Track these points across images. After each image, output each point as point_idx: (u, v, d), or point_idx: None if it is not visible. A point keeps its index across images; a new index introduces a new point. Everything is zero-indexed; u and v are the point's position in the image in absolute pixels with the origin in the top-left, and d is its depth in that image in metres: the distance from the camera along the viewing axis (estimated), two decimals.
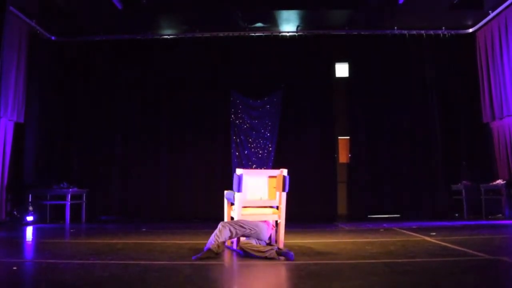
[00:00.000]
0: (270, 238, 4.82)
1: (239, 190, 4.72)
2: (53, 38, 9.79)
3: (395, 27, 9.63)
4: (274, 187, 4.90)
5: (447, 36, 9.74)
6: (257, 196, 4.89)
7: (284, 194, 4.85)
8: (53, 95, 9.64)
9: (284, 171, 4.92)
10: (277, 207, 4.92)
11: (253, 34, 9.85)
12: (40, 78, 9.27)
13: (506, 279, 3.40)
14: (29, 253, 5.19)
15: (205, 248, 4.31)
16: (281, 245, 4.74)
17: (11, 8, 8.08)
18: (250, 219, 4.73)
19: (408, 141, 9.58)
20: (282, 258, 4.16)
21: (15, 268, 3.91)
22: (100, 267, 3.81)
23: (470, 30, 9.69)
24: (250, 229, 4.56)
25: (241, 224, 4.55)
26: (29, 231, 7.31)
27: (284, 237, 4.87)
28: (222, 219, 5.24)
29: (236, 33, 9.82)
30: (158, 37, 9.97)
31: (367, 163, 9.55)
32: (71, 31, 9.67)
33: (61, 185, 8.85)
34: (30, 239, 6.38)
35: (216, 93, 9.79)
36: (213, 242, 4.36)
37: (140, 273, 3.57)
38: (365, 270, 3.62)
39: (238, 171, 4.81)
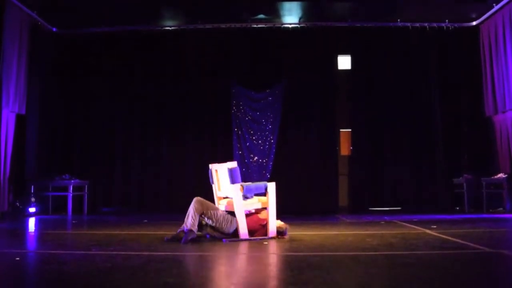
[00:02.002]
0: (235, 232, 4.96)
1: (211, 182, 5.37)
2: (54, 29, 9.77)
3: (398, 20, 9.58)
4: None
5: (450, 29, 9.68)
6: (224, 187, 5.19)
7: (234, 186, 4.90)
8: (54, 86, 9.63)
9: (230, 164, 5.06)
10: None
11: (255, 26, 9.81)
12: (42, 69, 9.26)
13: (506, 272, 3.41)
14: (31, 244, 5.22)
15: (185, 229, 4.68)
16: (242, 236, 4.85)
17: None
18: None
19: (409, 134, 9.57)
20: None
21: (17, 258, 3.93)
22: (102, 258, 3.83)
23: (474, 23, 9.63)
24: (216, 221, 4.89)
25: (214, 212, 4.91)
26: (32, 222, 7.35)
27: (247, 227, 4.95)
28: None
29: (238, 25, 9.78)
30: (160, 28, 9.94)
31: (369, 156, 9.55)
32: (72, 23, 9.64)
33: (63, 176, 8.87)
34: (33, 230, 6.41)
35: (217, 85, 9.77)
36: (190, 223, 4.71)
37: (142, 263, 3.58)
38: (366, 262, 3.64)
39: (210, 165, 5.33)
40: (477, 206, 8.71)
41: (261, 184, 5.13)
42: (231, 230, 4.92)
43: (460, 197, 9.00)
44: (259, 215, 5.12)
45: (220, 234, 4.94)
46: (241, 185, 4.92)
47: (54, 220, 7.82)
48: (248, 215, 5.04)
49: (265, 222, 5.07)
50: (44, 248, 4.72)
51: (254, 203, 5.06)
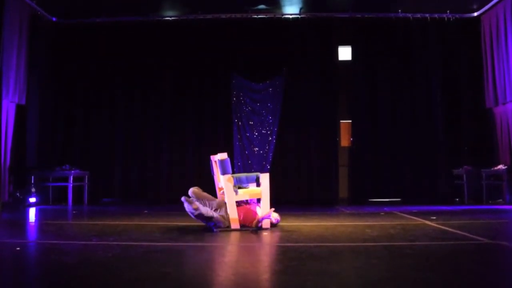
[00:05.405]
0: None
1: (213, 173, 5.41)
2: (54, 19, 9.71)
3: (399, 10, 9.52)
4: None
5: (451, 19, 9.62)
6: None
7: (224, 177, 4.91)
8: (54, 77, 9.60)
9: (221, 155, 5.03)
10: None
11: (255, 16, 9.75)
12: (42, 60, 9.21)
13: (505, 263, 3.42)
14: (32, 234, 5.24)
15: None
16: (233, 226, 4.86)
17: None
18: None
19: (410, 125, 9.55)
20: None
21: (18, 248, 3.95)
22: (103, 248, 3.84)
23: (475, 14, 9.57)
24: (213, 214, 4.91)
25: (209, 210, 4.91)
26: (32, 212, 7.37)
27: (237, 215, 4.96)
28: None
29: (238, 15, 9.72)
30: (160, 18, 9.88)
31: (369, 147, 9.54)
32: (72, 13, 9.57)
33: (63, 167, 8.87)
34: (33, 221, 6.43)
35: (217, 76, 9.73)
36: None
37: (143, 254, 3.60)
38: (365, 253, 3.65)
39: (211, 157, 5.38)
40: (477, 197, 8.72)
41: (253, 175, 5.06)
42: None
43: (460, 188, 9.00)
44: (250, 206, 5.08)
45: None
46: (231, 175, 4.90)
47: (55, 210, 7.85)
48: (239, 205, 5.02)
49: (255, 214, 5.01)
50: (45, 238, 4.74)
51: (247, 194, 5.00)
